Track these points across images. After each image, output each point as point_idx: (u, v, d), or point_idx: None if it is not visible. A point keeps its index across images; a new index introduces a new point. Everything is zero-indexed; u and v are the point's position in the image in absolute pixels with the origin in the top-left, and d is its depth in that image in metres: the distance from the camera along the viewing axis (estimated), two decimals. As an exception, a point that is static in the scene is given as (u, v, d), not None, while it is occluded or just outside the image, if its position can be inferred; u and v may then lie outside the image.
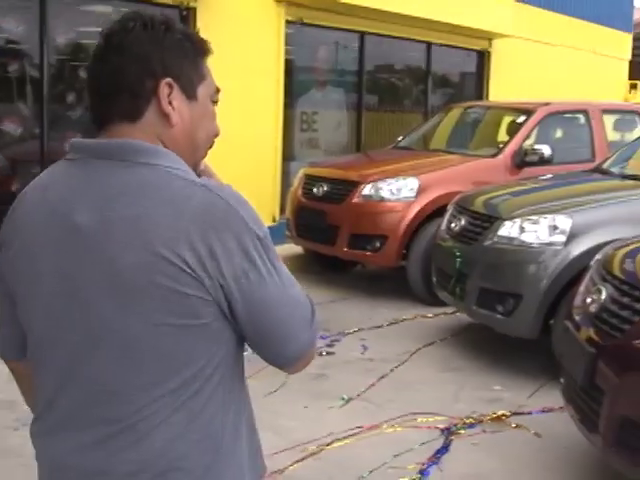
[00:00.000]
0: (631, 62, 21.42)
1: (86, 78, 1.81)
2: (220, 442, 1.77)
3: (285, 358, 1.78)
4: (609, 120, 10.66)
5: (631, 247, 4.84)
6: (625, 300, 4.10)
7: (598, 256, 4.96)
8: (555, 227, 6.26)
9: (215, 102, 1.87)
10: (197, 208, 1.63)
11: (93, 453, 1.72)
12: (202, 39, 1.86)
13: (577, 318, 4.50)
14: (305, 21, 11.99)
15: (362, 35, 13.15)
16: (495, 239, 6.52)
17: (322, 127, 12.98)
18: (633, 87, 22.02)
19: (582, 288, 4.77)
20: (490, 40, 15.66)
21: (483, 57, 15.95)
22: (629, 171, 7.60)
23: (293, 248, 10.09)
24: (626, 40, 20.77)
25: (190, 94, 1.78)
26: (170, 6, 9.86)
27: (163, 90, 1.73)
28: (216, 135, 1.89)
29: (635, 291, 4.08)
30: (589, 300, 4.41)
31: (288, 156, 12.21)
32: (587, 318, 4.37)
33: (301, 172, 10.05)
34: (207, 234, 1.62)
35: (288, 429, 5.32)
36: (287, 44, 11.82)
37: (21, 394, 2.07)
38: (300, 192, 9.62)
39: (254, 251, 1.67)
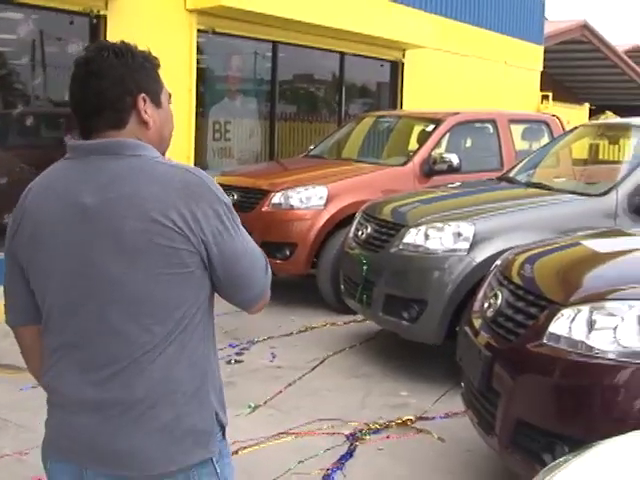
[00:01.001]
0: (543, 73, 21.77)
1: (70, 99, 2.25)
2: (204, 368, 2.26)
3: (249, 300, 2.32)
4: (517, 129, 10.86)
5: (530, 253, 4.93)
6: (520, 304, 4.17)
7: (498, 262, 5.04)
8: (459, 234, 6.35)
9: (169, 104, 2.37)
10: (179, 184, 2.14)
11: (107, 386, 2.14)
12: (154, 57, 2.33)
13: (476, 323, 4.56)
14: (217, 30, 11.94)
15: (275, 45, 13.14)
16: (400, 246, 6.58)
17: (235, 136, 12.95)
18: (545, 98, 22.38)
19: (481, 293, 4.84)
20: (404, 51, 15.75)
21: (397, 67, 16.04)
22: (533, 179, 7.74)
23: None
24: (537, 52, 21.07)
25: (157, 103, 2.29)
26: (80, 14, 9.76)
27: (140, 104, 2.24)
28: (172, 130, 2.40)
29: (529, 295, 4.16)
30: (486, 305, 4.48)
31: (201, 165, 12.11)
32: (484, 323, 4.43)
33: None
34: (189, 203, 2.11)
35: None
36: (199, 53, 11.77)
37: (23, 357, 2.46)
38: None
39: (224, 215, 2.18)
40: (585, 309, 3.79)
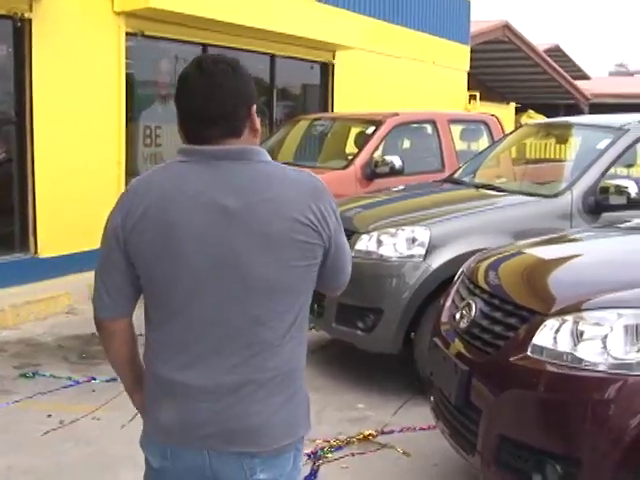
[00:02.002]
0: (470, 74, 21.80)
1: (185, 109, 2.38)
2: (305, 348, 2.48)
3: (342, 285, 2.63)
4: (456, 130, 10.72)
5: (492, 259, 4.74)
6: (497, 315, 3.96)
7: (463, 269, 4.84)
8: (414, 239, 6.14)
9: None
10: (309, 186, 2.37)
11: (242, 369, 2.30)
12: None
13: (446, 334, 4.35)
14: (146, 33, 11.59)
15: (205, 47, 12.81)
16: (353, 253, 6.33)
17: (166, 141, 12.58)
18: (473, 98, 22.43)
19: (448, 303, 4.63)
20: (334, 52, 15.57)
21: (327, 69, 15.86)
22: (482, 181, 7.58)
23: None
24: (464, 52, 21.09)
25: (258, 111, 2.44)
26: (3, 17, 9.32)
27: (253, 113, 2.40)
28: None
29: (506, 305, 3.95)
30: (458, 316, 4.26)
31: (132, 172, 11.75)
32: (457, 334, 4.22)
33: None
34: (318, 203, 2.34)
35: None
36: (128, 57, 11.40)
37: (106, 351, 2.57)
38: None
39: (337, 213, 2.44)
40: (570, 319, 3.60)
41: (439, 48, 19.33)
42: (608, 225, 5.43)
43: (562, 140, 8.69)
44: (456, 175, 7.95)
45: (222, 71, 2.35)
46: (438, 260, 6.05)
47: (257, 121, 2.44)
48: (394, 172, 9.19)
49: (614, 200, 6.37)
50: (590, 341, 3.51)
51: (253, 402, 2.34)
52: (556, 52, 35.77)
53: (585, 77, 39.04)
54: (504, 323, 3.89)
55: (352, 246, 6.33)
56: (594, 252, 4.69)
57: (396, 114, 10.18)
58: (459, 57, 20.77)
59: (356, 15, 15.52)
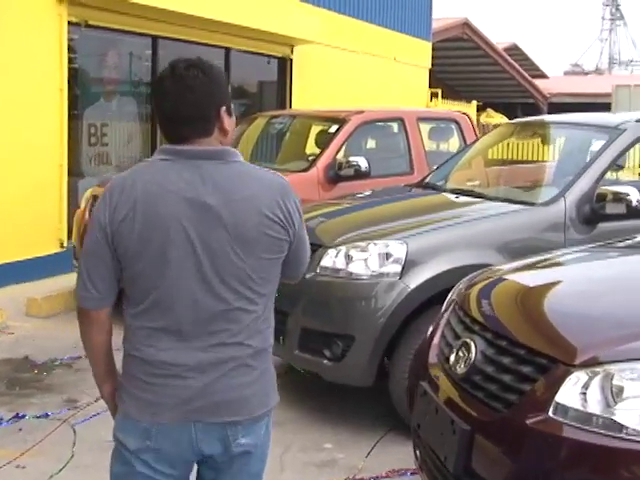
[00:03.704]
0: (430, 72, 21.21)
1: (162, 110, 2.63)
2: (273, 328, 2.80)
3: (298, 276, 2.94)
4: (424, 129, 9.95)
5: (488, 283, 3.98)
6: (505, 360, 3.18)
7: (453, 296, 4.07)
8: (388, 255, 5.36)
9: None
10: (278, 185, 2.66)
11: (225, 348, 2.60)
12: (223, 71, 2.79)
13: (438, 379, 3.57)
14: (91, 23, 10.74)
15: (155, 39, 12.02)
16: (318, 270, 5.54)
17: (113, 140, 11.74)
18: (434, 95, 21.83)
19: (436, 339, 3.85)
20: (292, 46, 14.86)
21: (285, 64, 15.12)
22: (459, 186, 6.82)
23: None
24: (426, 48, 20.52)
25: (230, 113, 2.70)
26: None
27: (222, 115, 2.65)
28: None
29: (516, 348, 3.17)
30: (453, 357, 3.48)
31: (76, 173, 10.94)
32: (452, 381, 3.44)
33: (88, 192, 8.87)
34: (285, 201, 2.62)
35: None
36: (71, 49, 10.56)
37: (87, 340, 2.74)
38: (87, 216, 8.41)
39: (301, 211, 2.72)
40: (602, 371, 2.83)
41: (400, 44, 18.80)
42: (609, 243, 4.64)
43: (549, 141, 7.95)
44: (429, 179, 7.18)
45: (193, 75, 2.58)
46: (417, 279, 5.27)
47: (227, 122, 2.67)
48: (359, 175, 8.39)
49: (612, 209, 5.64)
50: (633, 400, 2.75)
51: (234, 377, 2.62)
52: (514, 51, 35.56)
53: (543, 76, 38.96)
54: (515, 372, 3.10)
55: (317, 262, 5.54)
56: (608, 278, 3.91)
57: (361, 111, 9.39)
58: (421, 53, 20.25)
59: (315, 8, 14.97)
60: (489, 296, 3.85)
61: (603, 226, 5.73)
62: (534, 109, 34.10)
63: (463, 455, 3.14)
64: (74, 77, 10.81)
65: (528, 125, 8.03)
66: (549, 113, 31.52)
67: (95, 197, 8.43)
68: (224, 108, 2.63)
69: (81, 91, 11.28)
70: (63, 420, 5.59)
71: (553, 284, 3.93)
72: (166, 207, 2.52)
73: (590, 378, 2.85)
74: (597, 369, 2.85)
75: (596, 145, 6.17)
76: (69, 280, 8.93)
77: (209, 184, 2.54)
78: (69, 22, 10.33)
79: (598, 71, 70.19)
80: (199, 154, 2.58)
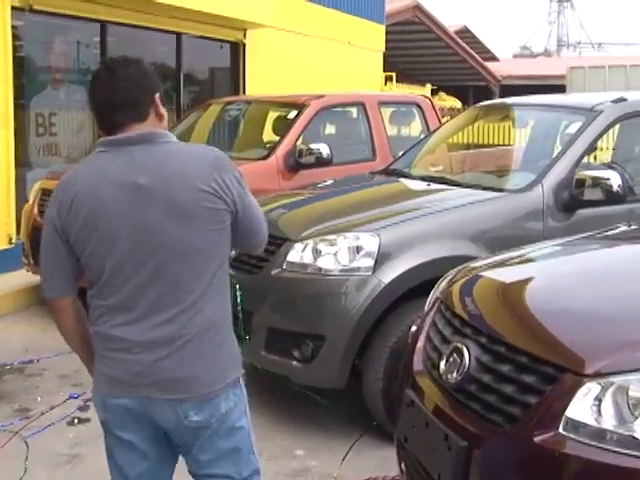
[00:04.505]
0: (384, 55, 20.91)
1: (96, 98, 2.81)
2: (229, 309, 2.91)
3: (260, 242, 3.05)
4: (385, 113, 9.64)
5: (466, 281, 3.68)
6: (504, 369, 2.86)
7: (437, 294, 3.76)
8: (359, 248, 5.04)
9: None
10: (211, 159, 2.80)
11: (171, 325, 2.71)
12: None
13: (426, 388, 3.26)
14: (35, 8, 10.27)
15: (103, 25, 11.57)
16: (284, 266, 5.20)
17: (62, 131, 11.29)
18: (389, 79, 21.54)
19: (421, 342, 3.54)
20: (244, 31, 14.45)
21: (238, 49, 14.71)
22: (427, 172, 6.52)
23: (31, 278, 8.29)
24: (380, 31, 20.20)
25: (162, 100, 2.87)
26: None
27: (157, 101, 2.83)
28: None
29: (516, 355, 2.85)
30: (443, 364, 3.16)
31: (24, 165, 10.50)
32: (444, 390, 3.13)
33: (37, 185, 8.49)
34: (220, 173, 2.75)
35: None
36: (16, 36, 10.10)
37: (61, 327, 2.95)
38: (36, 210, 8.02)
39: (240, 180, 2.84)
40: (617, 381, 2.54)
41: (354, 27, 18.49)
42: (591, 235, 4.32)
43: (521, 124, 7.64)
44: (396, 166, 6.86)
45: (125, 65, 2.78)
46: (391, 273, 4.96)
47: (161, 107, 2.85)
48: (321, 162, 8.07)
49: (591, 195, 5.38)
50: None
51: (183, 354, 2.72)
52: (465, 34, 35.47)
53: (494, 59, 38.96)
54: (517, 381, 2.79)
55: (283, 258, 5.21)
56: (599, 272, 3.62)
57: (321, 96, 9.05)
58: (374, 37, 19.93)
59: (268, -9, 14.43)
60: (478, 295, 3.54)
61: (582, 212, 5.47)
62: (486, 92, 34.09)
63: (460, 474, 2.83)
64: (19, 65, 10.34)
65: (497, 108, 7.74)
66: (501, 96, 31.48)
67: (44, 190, 8.04)
68: (158, 94, 2.83)
69: (27, 80, 10.82)
70: (14, 432, 5.23)
71: (544, 280, 3.62)
72: (103, 193, 2.69)
73: (603, 389, 2.55)
74: (611, 379, 2.55)
75: (573, 127, 5.89)
76: (19, 277, 8.54)
77: (139, 165, 2.70)
78: (12, 7, 9.88)
79: (547, 53, 70.40)
80: (130, 140, 2.74)
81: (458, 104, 28.57)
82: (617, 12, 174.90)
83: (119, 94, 2.74)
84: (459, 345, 3.11)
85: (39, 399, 5.80)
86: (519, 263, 3.93)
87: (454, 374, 3.05)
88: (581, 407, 2.55)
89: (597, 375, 2.58)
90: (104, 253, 2.72)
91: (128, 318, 2.74)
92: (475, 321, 3.21)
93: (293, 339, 5.10)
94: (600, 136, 5.76)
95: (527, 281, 3.63)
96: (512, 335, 3.01)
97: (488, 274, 3.76)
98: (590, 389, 2.57)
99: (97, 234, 2.71)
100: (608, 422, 2.51)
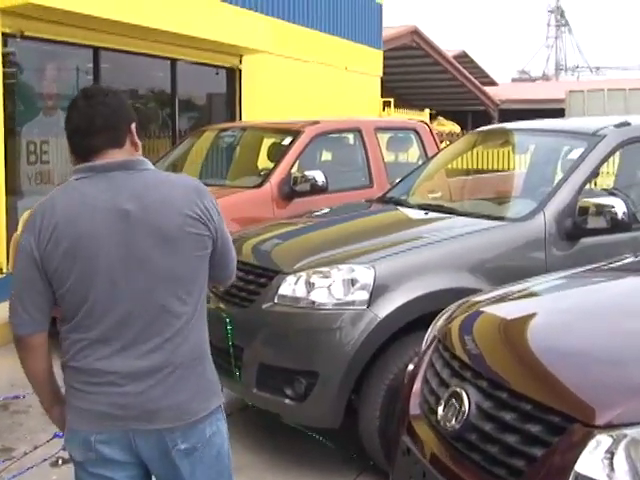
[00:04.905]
0: (382, 80, 20.83)
1: (71, 122, 2.78)
2: (207, 333, 2.86)
3: (231, 273, 3.03)
4: (382, 139, 9.46)
5: (464, 319, 3.46)
6: (507, 417, 2.65)
7: (434, 332, 3.54)
8: (353, 281, 4.83)
9: None
10: (192, 187, 2.78)
11: (156, 354, 2.65)
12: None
13: (424, 435, 3.04)
14: (27, 34, 10.14)
15: (97, 50, 11.44)
16: (276, 300, 4.98)
17: (54, 158, 11.11)
18: (387, 104, 21.43)
19: (418, 384, 3.32)
20: (241, 56, 14.36)
21: (234, 75, 14.60)
22: (425, 200, 6.32)
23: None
24: (377, 57, 20.15)
25: (138, 130, 2.86)
26: None
27: (133, 130, 2.83)
28: None
29: (519, 402, 2.64)
30: (441, 409, 2.95)
31: (15, 193, 10.33)
32: (442, 438, 2.91)
33: (26, 214, 8.24)
34: (202, 200, 2.74)
35: None
36: (7, 62, 9.98)
37: (27, 367, 2.80)
38: (25, 240, 7.81)
39: (218, 209, 2.82)
40: (633, 433, 2.32)
41: (351, 52, 18.46)
42: (596, 267, 4.11)
43: (521, 149, 7.44)
44: (393, 194, 6.66)
45: (104, 94, 2.80)
46: (387, 307, 4.74)
47: (136, 137, 2.83)
48: (316, 190, 7.89)
49: (595, 223, 5.18)
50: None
51: (169, 383, 2.67)
52: (464, 58, 35.51)
53: (492, 83, 38.95)
54: (521, 431, 2.57)
55: (274, 291, 5.00)
56: (607, 309, 3.39)
57: (316, 122, 8.88)
58: (372, 62, 19.88)
59: (264, 17, 14.53)
60: (478, 334, 3.32)
61: (585, 241, 5.26)
62: (485, 116, 34.04)
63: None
64: (10, 92, 10.22)
65: (496, 133, 7.55)
66: (500, 120, 31.46)
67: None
68: (134, 124, 2.84)
69: (18, 107, 10.69)
70: (-5, 474, 5.01)
71: (547, 316, 3.40)
72: (86, 221, 2.63)
73: (615, 442, 2.33)
74: (624, 431, 2.34)
75: (575, 153, 5.69)
76: (7, 309, 8.31)
77: (124, 192, 2.66)
78: (3, 33, 9.80)
79: (545, 77, 70.51)
80: (111, 166, 2.71)
81: (457, 129, 28.47)
82: (614, 36, 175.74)
83: (98, 119, 2.72)
84: (458, 390, 2.89)
85: (23, 438, 5.58)
86: (521, 298, 3.73)
87: (453, 421, 2.84)
88: (592, 461, 2.34)
89: (609, 427, 2.36)
90: (87, 285, 2.64)
91: (112, 349, 2.66)
92: (475, 363, 2.99)
93: (285, 376, 4.88)
94: (603, 162, 5.56)
95: (530, 318, 3.41)
96: (515, 380, 2.79)
97: (488, 310, 3.55)
98: (601, 442, 2.35)
99: (79, 266, 2.63)
100: (621, 478, 2.30)
